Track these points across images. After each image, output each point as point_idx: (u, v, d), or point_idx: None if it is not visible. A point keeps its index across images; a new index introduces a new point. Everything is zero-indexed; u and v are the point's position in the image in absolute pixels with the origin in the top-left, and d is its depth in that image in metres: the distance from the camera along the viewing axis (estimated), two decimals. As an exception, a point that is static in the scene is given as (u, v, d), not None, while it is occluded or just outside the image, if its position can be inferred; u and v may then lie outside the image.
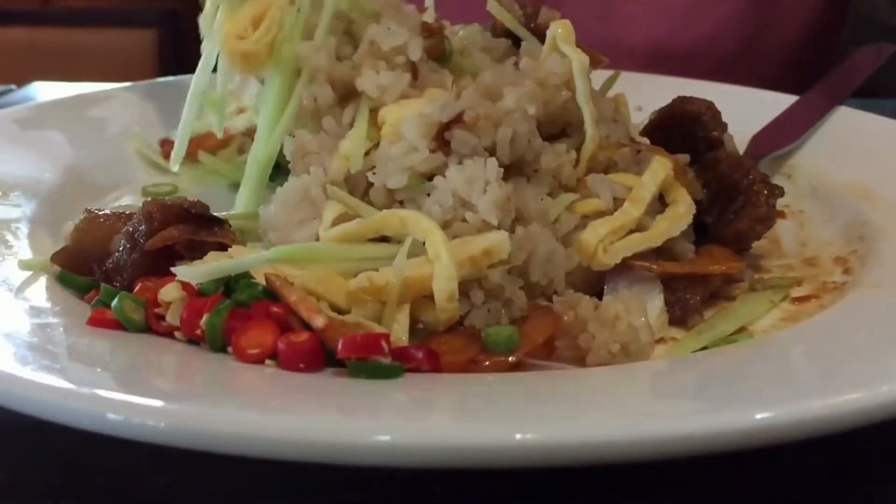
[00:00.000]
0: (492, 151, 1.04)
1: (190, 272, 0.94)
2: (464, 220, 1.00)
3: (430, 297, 0.95)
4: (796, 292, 1.09)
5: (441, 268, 0.93)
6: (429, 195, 1.02)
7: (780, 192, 1.16)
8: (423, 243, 0.96)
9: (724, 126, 1.25)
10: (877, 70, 1.70)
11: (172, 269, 0.94)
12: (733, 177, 1.15)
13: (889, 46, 1.81)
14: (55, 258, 1.06)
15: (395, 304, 0.93)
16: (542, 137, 1.09)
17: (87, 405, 0.73)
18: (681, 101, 1.25)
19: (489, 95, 1.06)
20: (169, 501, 0.81)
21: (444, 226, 0.99)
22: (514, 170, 1.06)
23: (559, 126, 1.13)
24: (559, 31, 1.15)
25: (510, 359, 0.90)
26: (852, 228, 1.19)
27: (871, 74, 1.70)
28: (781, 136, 1.43)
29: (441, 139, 1.04)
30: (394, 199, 1.06)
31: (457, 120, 1.04)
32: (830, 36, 2.22)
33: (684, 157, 1.18)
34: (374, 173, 1.07)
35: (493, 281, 0.98)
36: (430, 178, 1.04)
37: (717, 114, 1.24)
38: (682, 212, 1.09)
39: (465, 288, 0.97)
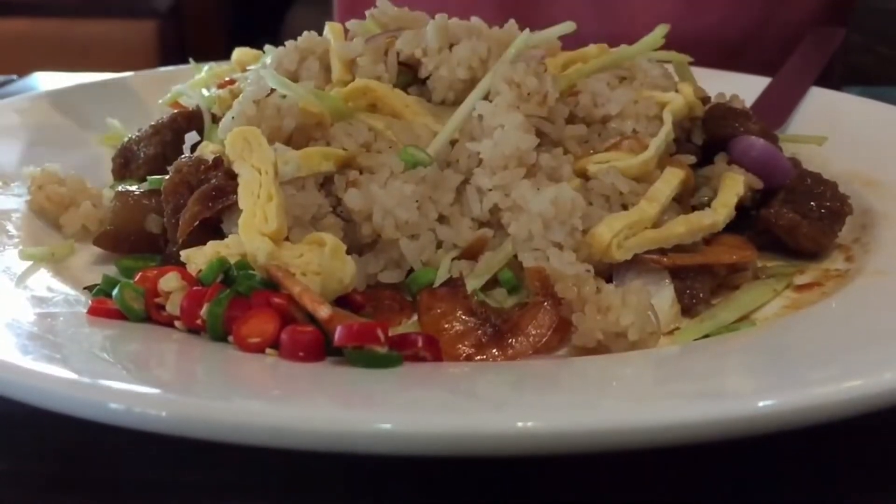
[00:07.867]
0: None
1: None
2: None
3: None
4: (799, 280, 1.09)
5: None
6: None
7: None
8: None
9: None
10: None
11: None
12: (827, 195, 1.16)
13: (840, 31, 1.83)
14: (98, 242, 1.10)
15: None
16: None
17: (89, 395, 0.73)
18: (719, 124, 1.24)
19: None
20: (172, 492, 0.81)
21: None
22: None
23: None
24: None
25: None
26: (854, 216, 1.18)
27: (830, 57, 1.71)
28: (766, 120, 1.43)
29: None
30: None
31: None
32: (836, 22, 2.20)
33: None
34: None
35: None
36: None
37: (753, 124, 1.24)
38: (705, 224, 1.09)
39: None
